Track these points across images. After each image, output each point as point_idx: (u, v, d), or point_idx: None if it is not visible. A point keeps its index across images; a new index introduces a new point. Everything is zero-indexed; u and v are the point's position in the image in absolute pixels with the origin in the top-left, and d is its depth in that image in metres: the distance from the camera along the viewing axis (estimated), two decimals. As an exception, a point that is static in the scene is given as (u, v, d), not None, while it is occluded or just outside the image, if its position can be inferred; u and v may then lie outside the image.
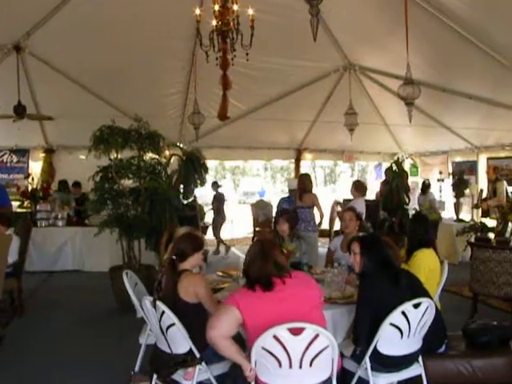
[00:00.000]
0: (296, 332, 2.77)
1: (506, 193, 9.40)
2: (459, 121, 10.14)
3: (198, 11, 4.87)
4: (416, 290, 3.51)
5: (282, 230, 5.35)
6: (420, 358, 3.47)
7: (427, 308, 3.27)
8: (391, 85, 8.74)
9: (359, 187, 8.21)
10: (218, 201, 11.84)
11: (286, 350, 2.79)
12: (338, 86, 10.02)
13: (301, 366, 2.83)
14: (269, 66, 8.62)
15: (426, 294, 3.53)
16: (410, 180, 12.15)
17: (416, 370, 3.45)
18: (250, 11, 4.76)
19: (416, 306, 3.23)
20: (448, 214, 11.26)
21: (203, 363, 3.37)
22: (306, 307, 3.04)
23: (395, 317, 3.16)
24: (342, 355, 3.38)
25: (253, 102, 10.27)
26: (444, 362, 3.66)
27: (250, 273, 3.10)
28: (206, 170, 8.05)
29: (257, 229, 11.93)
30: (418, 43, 6.84)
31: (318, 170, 38.08)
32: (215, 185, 12.11)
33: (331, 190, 34.51)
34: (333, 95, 10.35)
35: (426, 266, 4.32)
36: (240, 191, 37.89)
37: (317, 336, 2.80)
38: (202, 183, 8.10)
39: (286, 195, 9.32)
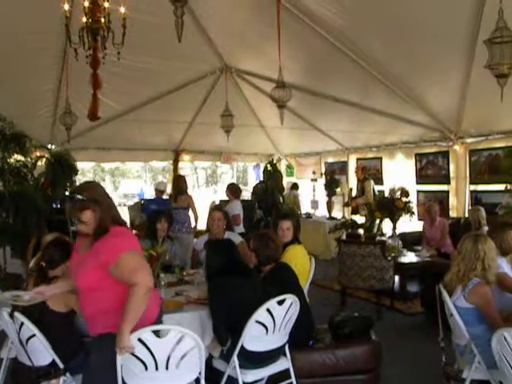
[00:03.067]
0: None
1: (373, 191, 10.00)
2: (330, 123, 10.62)
3: (66, 7, 4.61)
4: (290, 284, 3.64)
5: (163, 228, 5.46)
6: (287, 352, 3.59)
7: (291, 304, 3.38)
8: (266, 87, 8.91)
9: (234, 190, 8.40)
10: None
11: (151, 353, 2.75)
12: (216, 87, 10.03)
13: (167, 368, 2.81)
14: (144, 65, 8.36)
15: (298, 287, 3.67)
16: (286, 180, 12.60)
17: (283, 364, 3.56)
18: (122, 9, 4.61)
19: (280, 302, 3.33)
20: (321, 212, 11.78)
21: (67, 374, 3.23)
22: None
23: (261, 314, 3.24)
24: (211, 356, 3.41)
25: (128, 102, 9.94)
26: (311, 354, 3.83)
27: None
28: (75, 171, 7.71)
29: (133, 232, 11.58)
30: (291, 48, 7.04)
31: (199, 171, 38.15)
32: None
33: (213, 191, 34.72)
34: (210, 97, 10.31)
35: (298, 261, 4.48)
36: (120, 193, 36.80)
37: (182, 337, 2.78)
38: (72, 185, 7.72)
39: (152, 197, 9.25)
